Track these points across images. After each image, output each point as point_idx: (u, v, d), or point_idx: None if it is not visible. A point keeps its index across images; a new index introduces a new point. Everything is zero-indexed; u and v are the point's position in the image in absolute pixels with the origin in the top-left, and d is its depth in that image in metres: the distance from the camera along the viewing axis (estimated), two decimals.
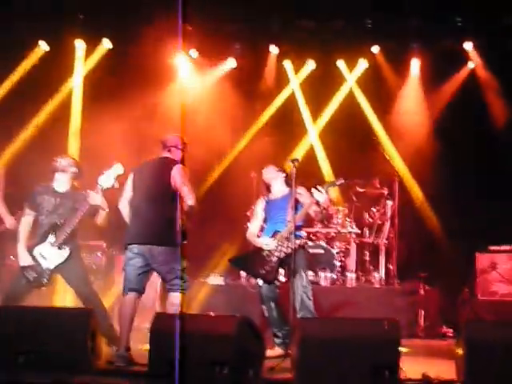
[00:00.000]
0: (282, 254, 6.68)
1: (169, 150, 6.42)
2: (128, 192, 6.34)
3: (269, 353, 6.04)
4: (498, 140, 9.96)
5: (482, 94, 10.30)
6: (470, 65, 10.69)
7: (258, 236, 7.13)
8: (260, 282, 6.79)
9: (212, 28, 10.32)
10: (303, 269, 6.69)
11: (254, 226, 7.19)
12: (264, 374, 5.37)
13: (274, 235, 6.80)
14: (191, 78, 11.08)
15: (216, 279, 9.37)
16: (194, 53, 10.84)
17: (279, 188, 7.08)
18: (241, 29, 10.53)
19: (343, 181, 7.04)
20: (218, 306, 8.58)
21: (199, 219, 10.24)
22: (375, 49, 10.70)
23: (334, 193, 9.69)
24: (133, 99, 10.21)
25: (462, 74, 10.76)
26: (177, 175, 6.09)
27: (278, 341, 6.71)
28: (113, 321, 6.70)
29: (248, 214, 9.65)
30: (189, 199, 6.00)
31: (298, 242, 6.68)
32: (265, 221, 7.16)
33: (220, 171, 11.11)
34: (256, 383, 5.07)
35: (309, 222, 8.43)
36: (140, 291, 6.16)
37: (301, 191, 6.90)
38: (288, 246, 6.57)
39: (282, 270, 7.00)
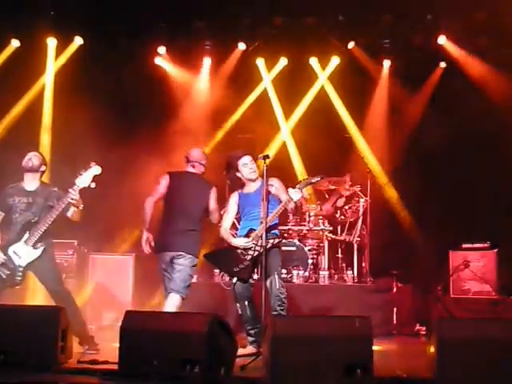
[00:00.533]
0: (257, 253, 6.62)
1: (192, 165, 7.18)
2: (158, 194, 7.07)
3: (241, 351, 6.02)
4: (472, 137, 9.99)
5: (456, 91, 10.33)
6: (442, 64, 10.75)
7: (234, 236, 7.10)
8: (234, 279, 6.74)
9: (183, 25, 10.30)
10: (277, 268, 6.65)
11: (226, 222, 7.10)
12: (236, 373, 5.35)
13: (248, 233, 6.74)
14: (164, 73, 11.08)
15: None
16: (161, 49, 10.79)
17: (253, 182, 6.98)
18: (212, 26, 10.49)
19: (319, 178, 6.93)
20: (190, 304, 8.53)
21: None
22: (351, 45, 10.66)
23: (307, 190, 9.67)
24: (106, 96, 10.18)
25: (437, 71, 10.82)
26: (214, 197, 7.07)
27: (250, 339, 6.68)
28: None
29: (222, 212, 9.62)
30: (214, 219, 7.12)
31: (272, 241, 6.63)
32: (239, 217, 7.10)
33: None
34: (227, 381, 5.04)
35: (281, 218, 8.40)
36: None
37: (274, 183, 6.84)
38: (262, 245, 6.50)
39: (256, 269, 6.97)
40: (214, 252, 7.68)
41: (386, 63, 10.96)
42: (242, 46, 10.88)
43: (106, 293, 9.04)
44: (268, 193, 6.66)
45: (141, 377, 4.99)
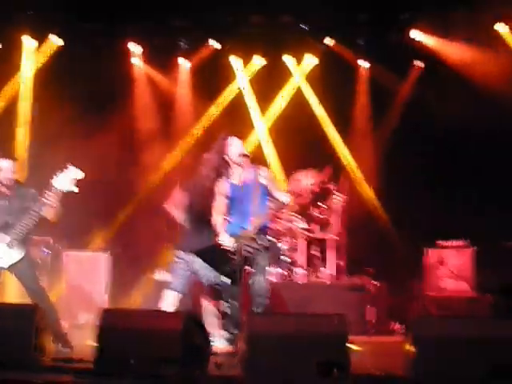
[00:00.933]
0: (247, 254, 6.47)
1: None
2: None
3: (216, 349, 6.00)
4: (447, 136, 10.05)
5: (430, 91, 10.38)
6: (419, 62, 10.81)
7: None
8: (224, 279, 6.65)
9: (159, 24, 10.28)
10: (264, 270, 6.55)
11: (219, 217, 6.73)
12: (211, 370, 5.32)
13: (239, 233, 6.50)
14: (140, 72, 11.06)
15: (163, 275, 9.28)
16: (135, 47, 10.79)
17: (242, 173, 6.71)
18: (187, 24, 10.46)
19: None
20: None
21: (147, 216, 10.23)
22: (327, 40, 10.67)
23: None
24: (82, 94, 10.12)
25: (415, 69, 10.90)
26: None
27: (227, 336, 6.62)
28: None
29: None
30: None
31: (263, 243, 6.52)
32: (228, 211, 6.96)
33: (168, 167, 11.03)
34: (203, 380, 5.02)
35: None
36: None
37: (264, 174, 6.71)
38: (253, 247, 6.44)
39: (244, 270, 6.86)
40: (205, 249, 7.62)
41: (362, 62, 11.00)
42: (216, 45, 10.88)
43: (80, 290, 8.99)
44: (259, 185, 6.56)
45: (116, 375, 4.95)
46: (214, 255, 6.72)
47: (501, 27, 10.07)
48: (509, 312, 8.22)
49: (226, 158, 6.68)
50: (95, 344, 5.18)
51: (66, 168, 6.33)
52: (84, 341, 6.62)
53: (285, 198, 6.52)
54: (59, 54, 10.61)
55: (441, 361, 4.84)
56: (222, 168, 6.72)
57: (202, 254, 7.15)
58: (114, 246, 9.58)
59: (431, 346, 4.92)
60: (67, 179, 6.29)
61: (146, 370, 4.96)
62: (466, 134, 9.75)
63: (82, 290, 8.99)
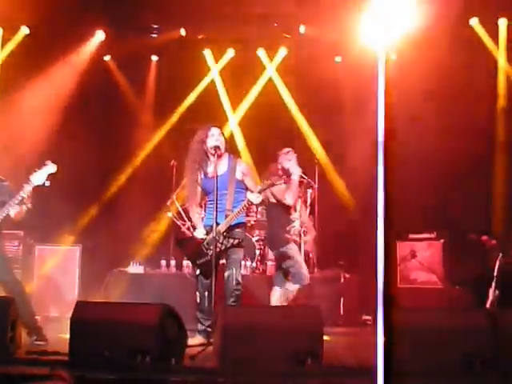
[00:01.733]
0: (222, 247, 6.50)
1: None
2: None
3: (191, 341, 6.04)
4: (420, 129, 10.16)
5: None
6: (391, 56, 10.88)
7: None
8: (197, 270, 6.70)
9: (130, 15, 10.23)
10: (238, 264, 6.61)
11: (194, 208, 6.85)
12: (186, 362, 5.38)
13: (212, 227, 6.42)
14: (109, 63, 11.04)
15: (136, 268, 9.33)
16: (102, 34, 10.71)
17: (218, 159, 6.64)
18: (158, 16, 10.45)
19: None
20: (138, 294, 8.55)
21: (119, 209, 10.24)
22: (302, 29, 10.66)
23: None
24: (52, 87, 10.06)
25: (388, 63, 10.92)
26: None
27: (201, 328, 6.66)
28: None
29: (168, 203, 9.63)
30: None
31: (237, 237, 6.57)
32: (203, 205, 6.94)
33: (140, 160, 11.02)
34: (178, 371, 5.07)
35: None
36: None
37: (243, 169, 6.72)
38: (225, 242, 6.49)
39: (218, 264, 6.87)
40: (184, 239, 7.63)
41: (335, 55, 11.09)
42: (192, 37, 10.87)
43: (52, 284, 8.98)
44: (235, 179, 6.61)
45: (92, 367, 4.98)
46: (190, 247, 6.77)
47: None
48: (476, 303, 8.37)
49: (205, 148, 6.67)
50: (71, 336, 5.22)
51: (45, 165, 6.34)
52: (57, 334, 6.64)
53: (256, 199, 6.52)
54: (26, 42, 10.48)
55: (411, 350, 4.94)
56: (200, 159, 6.72)
57: (181, 243, 7.19)
58: (86, 239, 9.57)
59: (402, 337, 5.02)
60: (44, 175, 6.31)
61: (121, 362, 5.00)
62: (442, 127, 9.90)
63: (55, 283, 8.98)
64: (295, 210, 7.79)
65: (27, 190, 6.27)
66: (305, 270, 7.46)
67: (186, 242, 7.07)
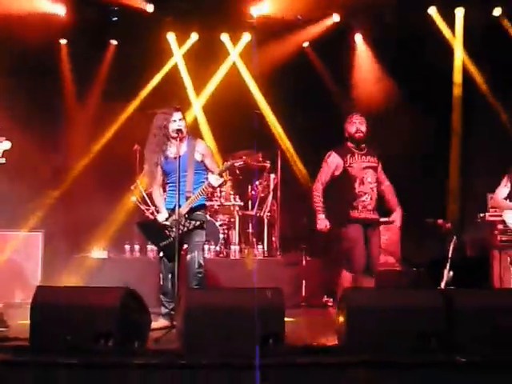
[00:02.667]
0: (184, 229, 6.48)
1: None
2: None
3: (154, 324, 6.01)
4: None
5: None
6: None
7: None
8: (161, 253, 6.67)
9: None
10: (200, 247, 6.61)
11: (156, 190, 6.81)
12: (149, 346, 5.37)
13: (173, 210, 6.43)
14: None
15: (99, 253, 9.27)
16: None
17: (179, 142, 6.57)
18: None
19: (241, 162, 6.85)
20: (102, 279, 8.49)
21: (82, 194, 10.12)
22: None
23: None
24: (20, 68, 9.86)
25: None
26: None
27: (164, 311, 6.63)
28: None
29: (132, 188, 9.58)
30: None
31: (198, 219, 6.56)
32: (164, 187, 6.86)
33: (101, 144, 10.91)
34: (142, 354, 5.06)
35: None
36: None
37: (201, 149, 6.69)
38: (187, 224, 6.47)
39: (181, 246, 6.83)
40: (145, 222, 7.55)
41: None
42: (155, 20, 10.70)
43: (14, 270, 8.85)
44: (194, 160, 6.57)
45: (54, 352, 4.94)
46: (152, 230, 6.74)
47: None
48: (432, 283, 8.50)
49: (167, 132, 6.62)
50: (31, 321, 5.16)
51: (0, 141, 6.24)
52: (20, 320, 6.56)
53: (216, 181, 6.50)
54: None
55: (370, 330, 5.00)
56: (162, 142, 6.65)
57: (143, 226, 7.15)
58: (48, 225, 9.45)
59: (361, 316, 5.08)
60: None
61: (83, 346, 4.96)
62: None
63: (17, 269, 8.86)
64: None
65: None
66: None
67: (148, 225, 7.05)
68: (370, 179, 7.05)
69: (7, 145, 6.23)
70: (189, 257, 6.55)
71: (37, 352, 5.03)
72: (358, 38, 11.06)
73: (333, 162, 7.10)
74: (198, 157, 6.66)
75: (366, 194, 7.00)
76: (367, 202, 6.99)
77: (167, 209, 6.67)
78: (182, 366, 4.80)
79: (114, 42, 11.15)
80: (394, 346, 4.97)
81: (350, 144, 7.11)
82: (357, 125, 7.04)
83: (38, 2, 10.18)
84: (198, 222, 6.56)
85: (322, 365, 4.88)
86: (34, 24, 9.67)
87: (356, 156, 7.05)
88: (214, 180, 6.49)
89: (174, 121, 6.59)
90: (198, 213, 6.62)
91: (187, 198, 6.51)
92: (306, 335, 5.85)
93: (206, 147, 6.87)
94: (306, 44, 11.24)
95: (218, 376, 4.78)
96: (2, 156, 6.20)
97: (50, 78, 10.52)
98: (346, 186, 7.02)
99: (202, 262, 6.57)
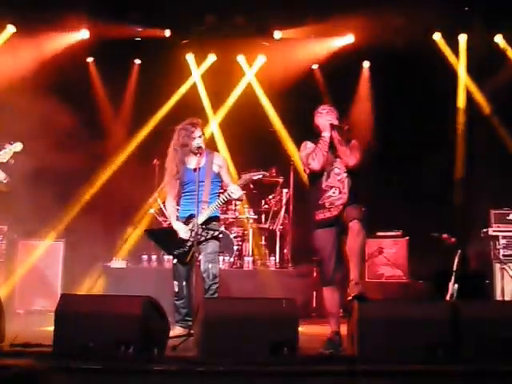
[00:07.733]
0: (201, 239, 6.44)
1: None
2: None
3: (172, 332, 5.98)
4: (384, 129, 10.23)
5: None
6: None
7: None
8: (174, 260, 6.64)
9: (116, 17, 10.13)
10: (214, 258, 6.56)
11: (170, 203, 6.77)
12: (168, 353, 5.34)
13: (188, 219, 6.47)
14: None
15: (118, 263, 9.27)
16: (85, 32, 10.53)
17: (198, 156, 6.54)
18: (145, 20, 10.39)
19: (261, 175, 6.72)
20: (121, 289, 8.48)
21: (101, 207, 10.12)
22: (277, 35, 10.70)
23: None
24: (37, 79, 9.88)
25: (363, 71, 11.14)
26: None
27: (178, 317, 6.59)
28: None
29: (151, 201, 9.59)
30: None
31: (212, 232, 6.51)
32: (179, 195, 6.78)
33: (123, 159, 10.92)
34: (160, 361, 5.03)
35: None
36: None
37: (219, 162, 6.68)
38: (202, 234, 6.43)
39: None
40: (156, 230, 7.51)
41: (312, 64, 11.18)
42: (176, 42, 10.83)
43: (35, 278, 8.83)
44: (212, 172, 6.56)
45: (76, 358, 4.91)
46: (167, 238, 6.68)
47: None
48: (437, 295, 8.45)
49: (189, 149, 6.59)
50: (55, 328, 5.13)
51: (11, 144, 6.24)
52: (39, 327, 6.52)
53: (238, 192, 6.46)
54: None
55: (380, 339, 4.96)
56: (184, 156, 6.64)
57: (153, 234, 7.11)
58: (69, 235, 9.45)
59: (372, 326, 5.04)
60: (10, 152, 6.20)
61: (105, 353, 4.94)
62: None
63: (37, 278, 8.84)
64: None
65: None
66: None
67: (159, 233, 7.04)
68: (337, 170, 5.83)
69: (19, 147, 6.24)
70: (203, 269, 6.48)
71: (59, 357, 5.00)
72: (366, 65, 11.07)
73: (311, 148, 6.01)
74: (215, 168, 6.66)
75: (332, 187, 5.78)
76: (335, 196, 5.76)
77: (182, 217, 6.63)
78: (199, 373, 4.76)
79: (138, 61, 11.19)
80: (402, 355, 4.91)
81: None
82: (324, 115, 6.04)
83: (66, 38, 10.41)
84: (216, 232, 6.55)
85: (334, 373, 4.83)
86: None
87: None
88: (236, 191, 6.45)
89: (194, 138, 6.58)
90: (213, 223, 6.60)
91: (202, 210, 6.45)
92: (318, 345, 5.78)
93: (223, 159, 6.90)
94: (315, 66, 11.23)
95: (233, 383, 4.74)
96: (12, 158, 6.22)
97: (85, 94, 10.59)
98: (312, 184, 6.00)
99: (216, 273, 6.52)
